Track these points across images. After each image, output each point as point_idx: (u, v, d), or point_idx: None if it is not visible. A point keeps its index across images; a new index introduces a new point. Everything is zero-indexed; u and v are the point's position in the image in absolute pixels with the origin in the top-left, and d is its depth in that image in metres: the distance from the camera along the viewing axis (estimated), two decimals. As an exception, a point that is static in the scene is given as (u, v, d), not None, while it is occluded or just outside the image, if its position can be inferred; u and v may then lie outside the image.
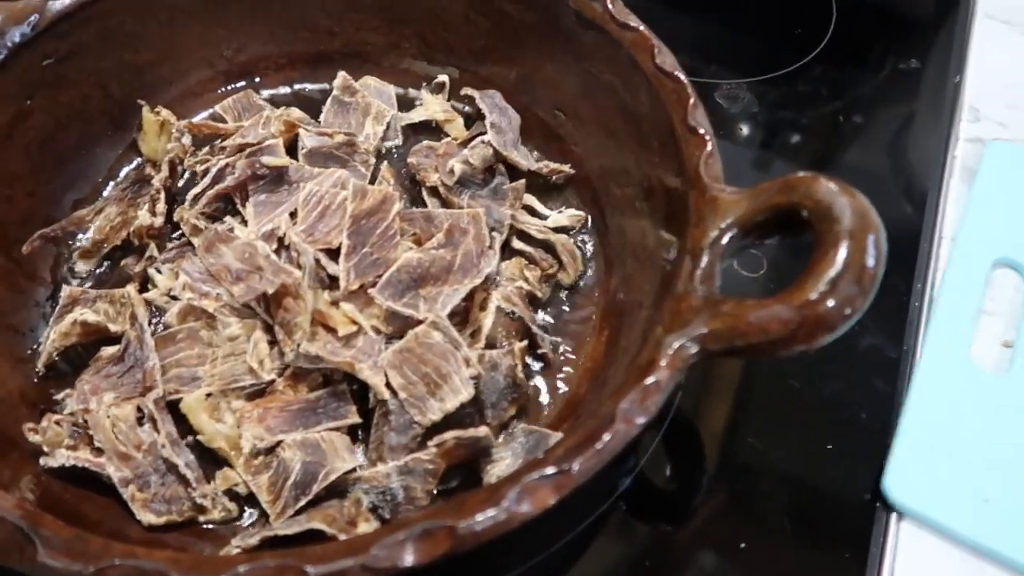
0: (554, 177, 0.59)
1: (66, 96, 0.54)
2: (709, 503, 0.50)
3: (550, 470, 0.35)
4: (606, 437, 0.36)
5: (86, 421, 0.44)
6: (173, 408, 0.46)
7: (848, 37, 0.74)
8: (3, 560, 0.33)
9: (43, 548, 0.33)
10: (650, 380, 0.38)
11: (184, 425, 0.46)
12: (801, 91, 0.70)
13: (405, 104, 0.63)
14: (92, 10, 0.53)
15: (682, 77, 0.50)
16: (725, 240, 0.42)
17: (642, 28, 0.52)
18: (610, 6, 0.53)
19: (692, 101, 0.49)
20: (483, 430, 0.44)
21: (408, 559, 0.33)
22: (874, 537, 0.48)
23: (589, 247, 0.57)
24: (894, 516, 0.49)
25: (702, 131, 0.47)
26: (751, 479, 0.51)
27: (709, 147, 0.47)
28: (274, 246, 0.49)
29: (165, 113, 0.56)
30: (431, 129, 0.62)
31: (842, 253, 0.37)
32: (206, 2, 0.59)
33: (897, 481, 0.49)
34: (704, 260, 0.42)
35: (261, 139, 0.54)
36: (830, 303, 0.37)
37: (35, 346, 0.50)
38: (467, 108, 0.63)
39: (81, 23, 0.53)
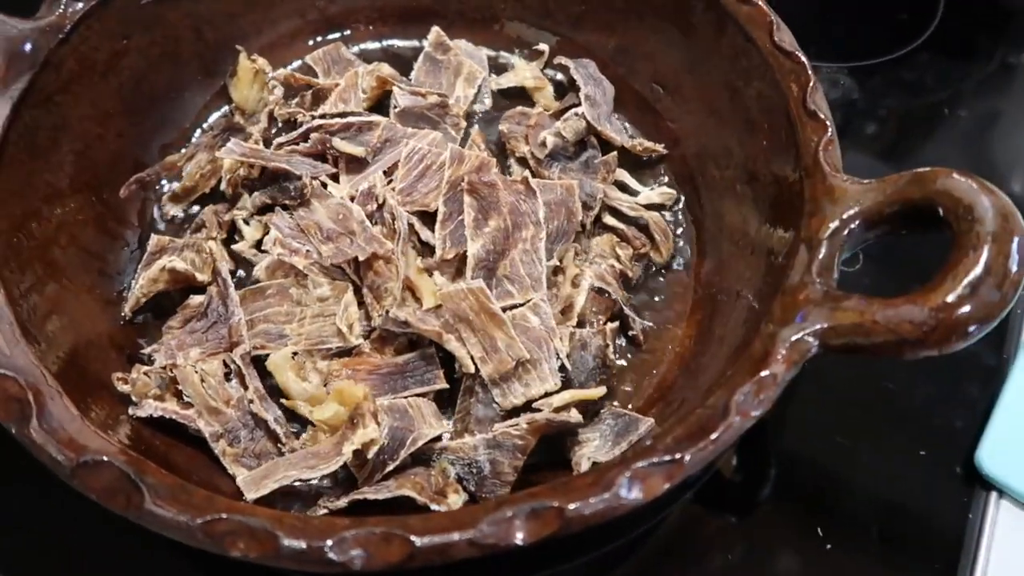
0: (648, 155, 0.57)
1: (161, 38, 0.53)
2: (794, 500, 0.49)
3: (661, 458, 0.34)
4: (720, 429, 0.35)
5: (174, 375, 0.44)
6: (258, 364, 0.45)
7: (956, 25, 0.70)
8: (109, 504, 0.32)
9: (149, 495, 0.32)
10: (766, 373, 0.37)
11: (267, 382, 0.45)
12: (905, 80, 0.67)
13: (497, 68, 0.61)
14: (192, -50, 0.52)
15: (802, 57, 0.48)
16: (847, 231, 0.41)
17: (760, 2, 0.50)
18: (726, -23, 0.51)
19: (812, 83, 0.47)
20: (575, 415, 0.43)
21: (517, 537, 0.32)
22: (967, 533, 0.47)
23: (681, 227, 0.55)
24: (991, 502, 0.47)
25: (822, 116, 0.45)
26: (838, 478, 0.49)
27: (829, 133, 0.45)
28: (372, 206, 0.48)
29: (261, 62, 0.54)
30: (520, 96, 0.60)
31: (984, 255, 0.35)
32: (302, -51, 0.57)
33: (992, 454, 0.48)
34: (822, 251, 0.41)
35: (359, 124, 0.51)
36: (968, 308, 0.35)
37: (122, 289, 0.49)
38: (559, 76, 0.61)
39: (182, -37, 0.52)
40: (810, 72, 0.47)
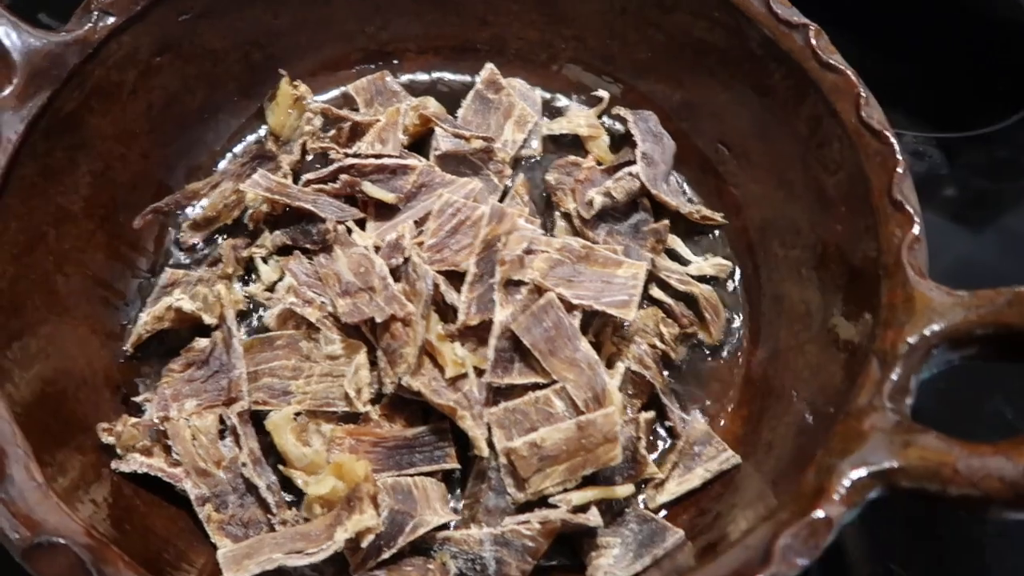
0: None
1: (198, 56, 0.50)
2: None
3: (688, 609, 0.29)
4: (760, 580, 0.30)
5: (165, 429, 0.40)
6: (258, 420, 0.42)
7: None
8: (58, 597, 0.29)
9: (102, 592, 0.29)
10: (820, 515, 0.32)
11: (264, 439, 0.42)
12: (999, 157, 0.61)
13: (551, 111, 0.57)
14: (238, -34, 0.49)
15: (891, 138, 0.43)
16: (928, 351, 0.35)
17: (849, 72, 0.45)
18: (813, 40, 0.46)
19: (900, 170, 0.41)
20: (595, 516, 0.39)
21: None
22: None
23: (735, 306, 0.50)
24: None
25: (909, 208, 0.40)
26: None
27: (916, 230, 0.40)
28: (397, 259, 0.44)
29: (303, 88, 0.51)
30: (572, 144, 0.56)
31: (1099, 410, 0.30)
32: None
33: None
34: (897, 370, 0.35)
35: (394, 166, 0.47)
36: (1074, 471, 0.29)
37: (126, 322, 0.46)
38: (617, 125, 0.56)
39: (227, -22, 0.49)
40: (899, 156, 0.42)
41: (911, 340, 0.36)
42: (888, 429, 0.33)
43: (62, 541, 0.30)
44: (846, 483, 0.32)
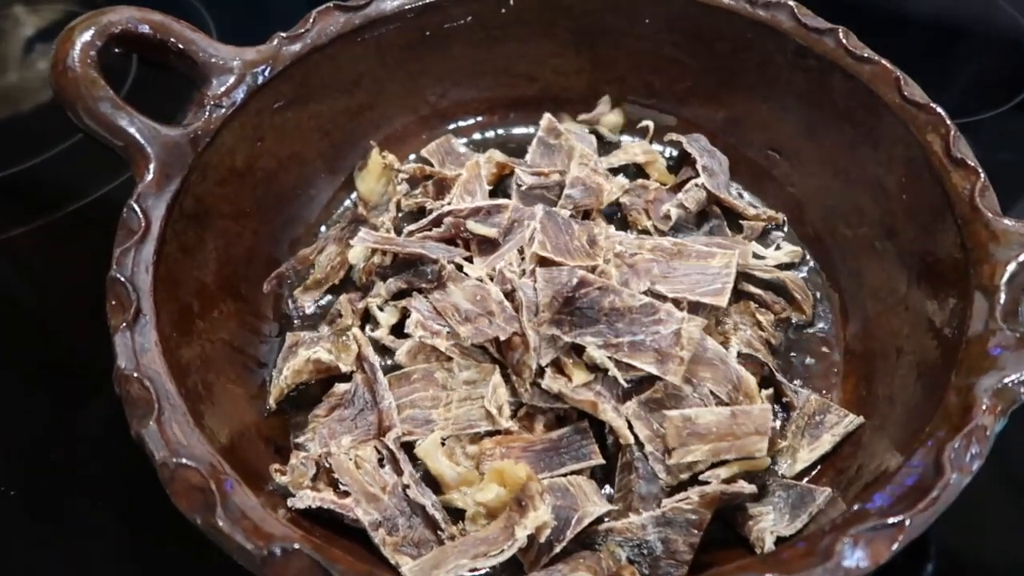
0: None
1: (289, 138, 0.55)
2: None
3: (880, 522, 0.32)
4: (939, 487, 0.32)
5: (329, 464, 0.42)
6: (406, 453, 0.44)
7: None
8: (302, 596, 0.31)
9: (343, 584, 0.31)
10: (973, 425, 0.34)
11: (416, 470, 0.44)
12: (1013, 129, 0.66)
13: (604, 149, 0.62)
14: (319, 56, 0.55)
15: (937, 108, 0.47)
16: (1027, 275, 0.39)
17: (884, 61, 0.50)
18: (843, 40, 0.51)
19: (953, 132, 0.46)
20: (747, 485, 0.41)
21: (742, 616, 0.29)
22: None
23: (816, 291, 0.53)
24: None
25: (971, 163, 0.44)
26: None
27: (982, 178, 0.44)
28: (508, 286, 0.47)
29: (391, 157, 0.56)
30: (633, 175, 0.61)
31: None
32: (414, 50, 0.60)
33: None
34: (1003, 297, 0.39)
35: (488, 207, 0.52)
36: None
37: (262, 382, 0.49)
38: (667, 151, 0.61)
39: (311, 68, 0.54)
40: (949, 122, 0.46)
41: (1009, 269, 0.39)
42: (1012, 344, 0.37)
43: (296, 546, 0.32)
44: (989, 394, 0.35)
